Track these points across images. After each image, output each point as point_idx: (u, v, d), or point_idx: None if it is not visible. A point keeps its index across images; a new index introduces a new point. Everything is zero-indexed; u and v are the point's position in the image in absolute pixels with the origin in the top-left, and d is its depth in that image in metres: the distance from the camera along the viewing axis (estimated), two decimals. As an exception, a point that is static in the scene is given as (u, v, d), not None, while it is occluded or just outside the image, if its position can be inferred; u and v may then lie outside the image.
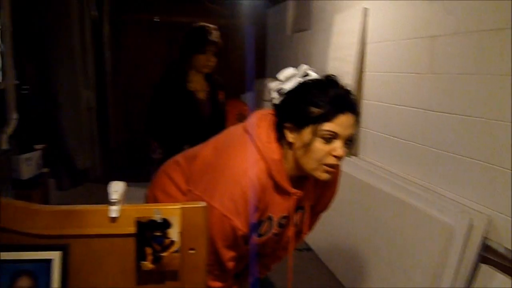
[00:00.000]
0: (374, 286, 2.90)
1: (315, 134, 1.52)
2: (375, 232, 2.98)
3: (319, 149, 1.53)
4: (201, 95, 3.34)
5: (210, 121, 3.33)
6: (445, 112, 2.74)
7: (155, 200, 1.84)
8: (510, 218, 2.25)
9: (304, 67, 1.64)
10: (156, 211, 1.30)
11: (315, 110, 1.51)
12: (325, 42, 4.37)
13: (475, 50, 2.50)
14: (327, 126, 1.50)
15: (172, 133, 3.28)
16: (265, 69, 6.30)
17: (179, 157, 1.90)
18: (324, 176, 1.59)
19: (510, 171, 2.24)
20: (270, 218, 1.67)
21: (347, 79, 3.67)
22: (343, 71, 3.79)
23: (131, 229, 1.30)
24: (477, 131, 2.48)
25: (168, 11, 6.15)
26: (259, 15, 6.26)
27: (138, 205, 1.35)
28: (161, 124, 3.36)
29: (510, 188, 2.24)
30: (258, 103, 5.60)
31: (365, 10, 3.59)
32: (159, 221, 1.30)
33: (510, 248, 2.24)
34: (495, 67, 2.36)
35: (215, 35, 3.23)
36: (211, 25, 3.28)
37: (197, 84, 3.33)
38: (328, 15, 4.43)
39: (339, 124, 1.51)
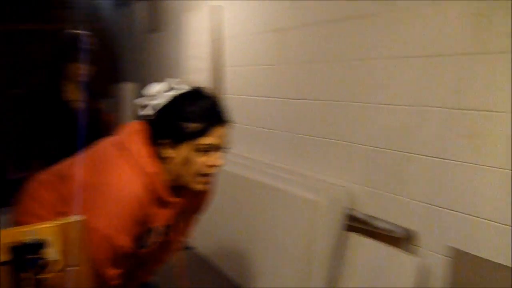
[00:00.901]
0: (259, 273, 3.02)
1: (192, 149, 1.55)
2: (253, 221, 3.09)
3: (197, 161, 1.57)
4: (77, 104, 3.13)
5: (88, 131, 3.13)
6: (300, 99, 2.97)
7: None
8: (367, 188, 2.53)
9: (171, 81, 1.65)
10: (29, 233, 1.22)
11: (190, 126, 1.54)
12: (180, 42, 4.40)
13: (321, 39, 2.75)
14: (204, 140, 1.55)
15: (47, 147, 3.01)
16: (122, 73, 6.11)
17: (46, 175, 1.77)
18: (201, 187, 1.64)
19: (364, 146, 2.52)
20: (154, 229, 1.66)
21: (204, 76, 3.76)
22: (200, 68, 3.86)
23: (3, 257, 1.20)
24: (332, 113, 2.74)
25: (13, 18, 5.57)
26: (111, 18, 6.02)
27: (7, 230, 1.24)
28: (33, 139, 3.07)
29: (364, 161, 2.53)
30: (118, 109, 5.41)
31: (219, 8, 3.69)
32: (33, 243, 1.22)
33: (370, 214, 2.53)
34: (340, 54, 2.64)
35: (87, 42, 3.05)
36: (83, 32, 3.08)
37: (72, 94, 3.12)
38: (179, 14, 4.47)
39: (215, 136, 1.57)
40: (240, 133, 3.62)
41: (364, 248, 2.46)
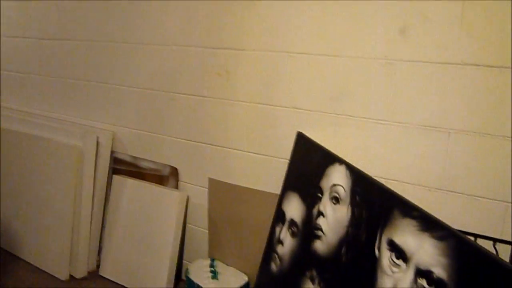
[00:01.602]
0: (26, 231, 2.77)
1: None
2: (17, 174, 2.80)
3: None
4: None
5: None
6: (61, 39, 2.75)
7: None
8: (133, 130, 2.54)
9: None
10: None
11: None
12: None
13: None
14: None
15: None
16: None
17: None
18: None
19: (130, 88, 2.50)
20: None
21: None
22: None
23: None
24: (97, 55, 2.62)
25: None
26: None
27: None
28: None
29: (131, 104, 2.52)
30: None
31: None
32: None
33: (137, 155, 2.56)
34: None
35: None
36: None
37: None
38: None
39: None
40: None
41: (128, 187, 2.49)
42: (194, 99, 2.28)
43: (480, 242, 1.77)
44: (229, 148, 2.22)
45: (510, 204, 1.64)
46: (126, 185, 2.52)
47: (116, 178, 2.56)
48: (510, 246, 1.75)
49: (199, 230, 2.42)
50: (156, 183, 2.47)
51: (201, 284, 2.13)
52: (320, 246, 1.56)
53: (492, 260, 0.93)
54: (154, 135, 2.48)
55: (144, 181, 2.51)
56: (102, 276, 2.53)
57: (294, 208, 1.79)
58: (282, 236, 1.84)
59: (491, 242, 1.80)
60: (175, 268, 2.35)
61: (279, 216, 1.90)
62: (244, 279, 2.18)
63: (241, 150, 2.18)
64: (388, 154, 1.78)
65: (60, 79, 2.84)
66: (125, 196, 2.51)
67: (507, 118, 1.56)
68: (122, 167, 2.63)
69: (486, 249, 0.97)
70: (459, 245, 1.01)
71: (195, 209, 2.41)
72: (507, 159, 1.59)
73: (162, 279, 2.31)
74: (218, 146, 2.25)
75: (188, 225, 2.46)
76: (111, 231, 2.54)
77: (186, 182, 2.41)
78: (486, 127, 1.60)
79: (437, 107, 1.67)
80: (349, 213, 1.43)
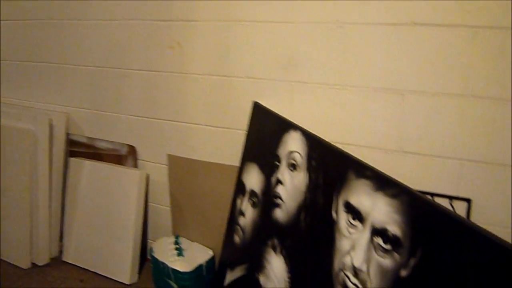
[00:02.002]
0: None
1: None
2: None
3: None
4: None
5: None
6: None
7: None
8: (86, 110, 2.46)
9: None
10: None
11: None
12: None
13: None
14: None
15: None
16: None
17: None
18: None
19: (81, 67, 2.40)
20: None
21: None
22: None
23: None
24: (44, 34, 2.50)
25: None
26: None
27: None
28: None
29: (84, 83, 2.43)
30: None
31: None
32: None
33: (93, 136, 2.48)
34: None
35: None
36: None
37: None
38: None
39: None
40: None
41: (86, 169, 2.42)
42: (147, 75, 2.21)
43: (437, 200, 1.81)
44: (186, 122, 2.17)
45: (465, 162, 1.66)
46: (84, 167, 2.44)
47: (73, 160, 2.48)
48: (466, 203, 1.81)
49: (162, 208, 2.38)
50: (114, 163, 2.41)
51: (166, 262, 2.10)
52: (280, 214, 1.55)
53: (444, 213, 0.94)
54: (110, 114, 2.41)
55: (102, 161, 2.44)
56: (65, 262, 2.47)
57: (253, 179, 1.78)
58: (243, 208, 1.83)
59: (447, 200, 1.85)
60: (139, 248, 2.31)
61: (240, 188, 1.88)
62: (209, 253, 2.17)
63: (198, 124, 2.14)
64: (344, 118, 1.78)
65: (8, 61, 2.71)
66: (84, 179, 2.44)
67: (458, 76, 1.57)
68: (78, 149, 2.55)
69: (438, 203, 0.97)
70: (411, 201, 1.02)
71: (156, 187, 2.36)
72: (459, 117, 1.61)
73: (127, 260, 2.27)
74: (175, 121, 2.20)
75: (150, 204, 2.42)
76: (71, 215, 2.47)
77: (145, 160, 2.36)
78: (438, 86, 1.61)
79: (389, 69, 1.67)
80: (307, 179, 1.42)
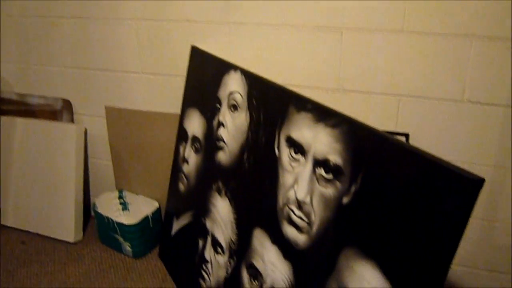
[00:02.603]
0: None
1: None
2: None
3: None
4: None
5: None
6: None
7: None
8: (14, 65, 2.29)
9: None
10: None
11: None
12: None
13: None
14: None
15: None
16: None
17: None
18: None
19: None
20: None
21: None
22: None
23: None
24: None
25: None
26: None
27: None
28: None
29: (9, 35, 2.25)
30: None
31: None
32: None
33: (21, 92, 2.33)
34: None
35: None
36: None
37: None
38: None
39: None
40: None
41: (21, 128, 2.29)
42: (77, 22, 2.07)
43: None
44: (123, 71, 2.07)
45: (402, 97, 1.69)
46: (16, 126, 2.30)
47: (4, 119, 2.33)
48: (404, 137, 1.86)
49: (103, 163, 2.31)
50: (49, 119, 2.29)
51: (111, 217, 2.05)
52: (223, 156, 1.53)
53: (382, 138, 0.94)
54: (40, 68, 2.25)
55: (36, 118, 2.30)
56: (4, 226, 2.35)
57: (195, 124, 1.74)
58: (186, 155, 1.79)
59: None
60: (82, 206, 2.24)
61: (182, 135, 1.84)
62: (154, 205, 2.13)
63: (135, 72, 2.05)
64: (284, 59, 1.75)
65: None
66: (17, 138, 2.30)
67: (397, 12, 1.57)
68: (9, 107, 2.39)
69: (376, 129, 0.98)
70: (351, 129, 1.02)
71: (95, 141, 2.27)
72: (397, 53, 1.63)
73: (70, 218, 2.20)
74: (110, 71, 2.10)
75: (90, 160, 2.33)
76: (7, 177, 2.34)
77: (81, 114, 2.25)
78: (376, 23, 1.61)
79: (327, 6, 1.64)
80: (248, 118, 1.40)
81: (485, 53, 1.54)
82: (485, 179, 0.73)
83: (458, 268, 1.87)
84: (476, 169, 1.66)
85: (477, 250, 1.81)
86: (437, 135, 1.71)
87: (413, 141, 1.77)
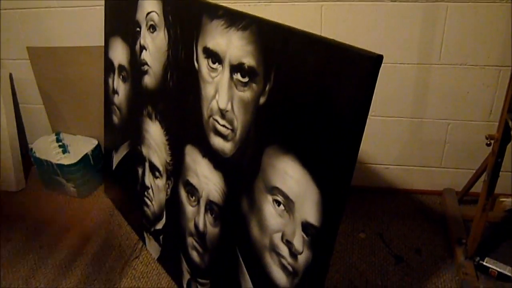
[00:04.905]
0: None
1: None
2: None
3: None
4: None
5: None
6: None
7: None
8: None
9: None
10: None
11: None
12: None
13: None
14: None
15: None
16: None
17: None
18: None
19: None
20: None
21: None
22: None
23: None
24: None
25: None
26: None
27: None
28: None
29: None
30: None
31: None
32: None
33: None
34: None
35: None
36: None
37: None
38: None
39: None
40: None
41: None
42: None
43: None
44: (41, 8, 1.96)
45: (325, 3, 1.69)
46: None
47: None
48: None
49: (35, 107, 2.23)
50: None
51: (50, 160, 2.01)
52: (148, 80, 1.50)
53: (286, 31, 0.94)
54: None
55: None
56: None
57: (119, 53, 1.68)
58: (115, 86, 1.75)
59: None
60: (19, 154, 2.18)
61: (108, 66, 1.78)
62: (93, 143, 2.10)
63: (53, 7, 1.94)
64: None
65: None
66: None
67: None
68: None
69: (280, 23, 0.97)
70: (259, 28, 1.01)
71: (23, 86, 2.18)
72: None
73: (9, 168, 2.14)
74: (27, 8, 1.97)
75: (21, 106, 2.25)
76: None
77: (4, 59, 2.14)
78: None
79: None
80: (166, 37, 1.37)
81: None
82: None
83: (392, 167, 1.95)
84: (401, 68, 1.70)
85: (409, 148, 1.89)
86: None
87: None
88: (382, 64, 0.78)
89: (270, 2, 1.70)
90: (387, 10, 1.62)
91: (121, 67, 1.69)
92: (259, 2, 1.70)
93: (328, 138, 0.87)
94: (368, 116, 0.82)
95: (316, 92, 0.89)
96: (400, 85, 1.75)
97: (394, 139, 1.86)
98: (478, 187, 1.59)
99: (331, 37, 0.84)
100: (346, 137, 0.84)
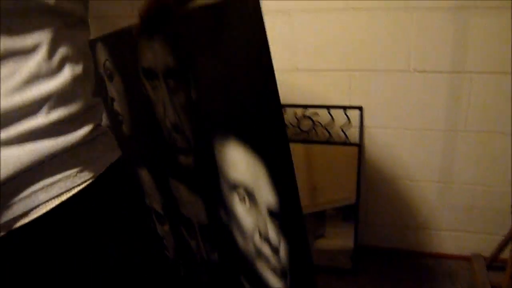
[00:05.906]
0: None
1: None
2: None
3: None
4: None
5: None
6: None
7: None
8: None
9: None
10: None
11: None
12: None
13: None
14: None
15: None
16: None
17: None
18: None
19: None
20: None
21: None
22: None
23: None
24: None
25: None
26: None
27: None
28: None
29: None
30: None
31: None
32: None
33: None
34: None
35: None
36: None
37: None
38: None
39: None
40: None
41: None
42: None
43: (333, 111, 2.04)
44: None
45: (353, 72, 1.79)
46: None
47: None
48: (358, 111, 1.99)
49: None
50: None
51: None
52: (125, 128, 1.47)
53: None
54: None
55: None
56: None
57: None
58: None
59: (342, 110, 2.04)
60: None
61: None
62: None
63: None
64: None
65: None
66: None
67: None
68: None
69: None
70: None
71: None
72: (344, 29, 1.65)
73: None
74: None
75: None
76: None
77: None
78: (320, 3, 1.69)
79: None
80: (119, 78, 1.34)
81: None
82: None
83: (420, 230, 1.80)
84: (428, 134, 1.76)
85: (437, 211, 1.72)
86: (386, 107, 1.85)
87: (367, 113, 1.90)
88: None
89: (305, 70, 1.73)
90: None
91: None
92: (292, 71, 1.75)
93: (250, 102, 0.77)
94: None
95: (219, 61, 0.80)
96: (427, 150, 1.80)
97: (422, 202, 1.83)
98: (506, 253, 1.57)
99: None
100: (258, 85, 0.73)
